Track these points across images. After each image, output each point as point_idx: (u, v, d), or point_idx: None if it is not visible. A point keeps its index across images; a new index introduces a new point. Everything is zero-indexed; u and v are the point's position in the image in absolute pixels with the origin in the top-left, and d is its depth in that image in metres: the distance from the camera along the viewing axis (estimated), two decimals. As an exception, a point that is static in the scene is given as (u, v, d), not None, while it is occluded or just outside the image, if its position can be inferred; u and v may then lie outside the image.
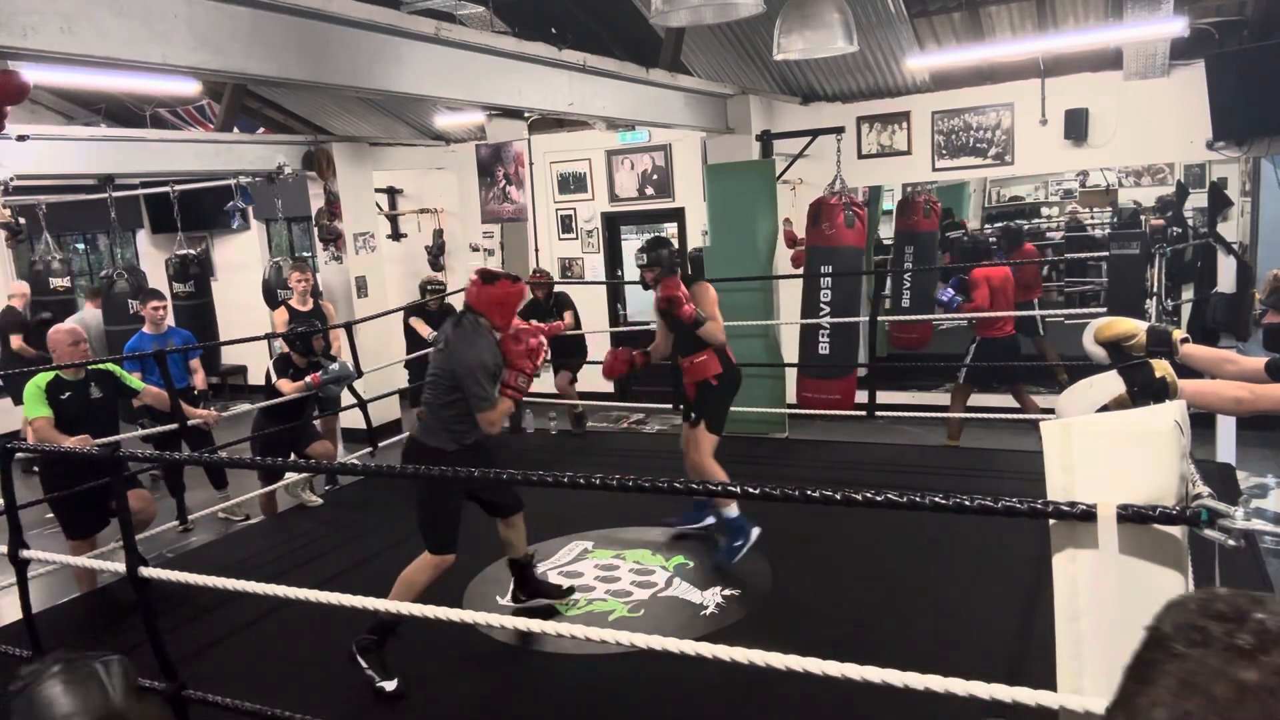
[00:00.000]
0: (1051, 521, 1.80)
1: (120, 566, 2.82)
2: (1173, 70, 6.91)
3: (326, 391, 6.01)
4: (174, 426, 5.37)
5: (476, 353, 3.62)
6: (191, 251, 8.41)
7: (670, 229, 9.52)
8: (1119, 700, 0.66)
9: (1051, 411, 2.69)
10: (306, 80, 3.99)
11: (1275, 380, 2.30)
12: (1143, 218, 8.35)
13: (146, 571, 2.77)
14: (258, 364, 8.76)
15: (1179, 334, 2.48)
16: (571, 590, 4.25)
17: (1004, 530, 3.98)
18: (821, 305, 6.93)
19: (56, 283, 7.98)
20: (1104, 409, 2.21)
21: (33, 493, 4.89)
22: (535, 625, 2.42)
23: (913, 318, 7.83)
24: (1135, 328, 2.52)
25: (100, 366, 4.99)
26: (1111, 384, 2.24)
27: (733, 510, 4.46)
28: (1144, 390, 2.19)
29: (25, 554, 3.06)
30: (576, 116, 6.97)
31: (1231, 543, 1.61)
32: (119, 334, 7.47)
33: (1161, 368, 2.24)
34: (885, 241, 9.20)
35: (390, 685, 3.45)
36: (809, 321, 7.00)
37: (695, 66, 7.51)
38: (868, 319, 6.81)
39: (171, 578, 2.82)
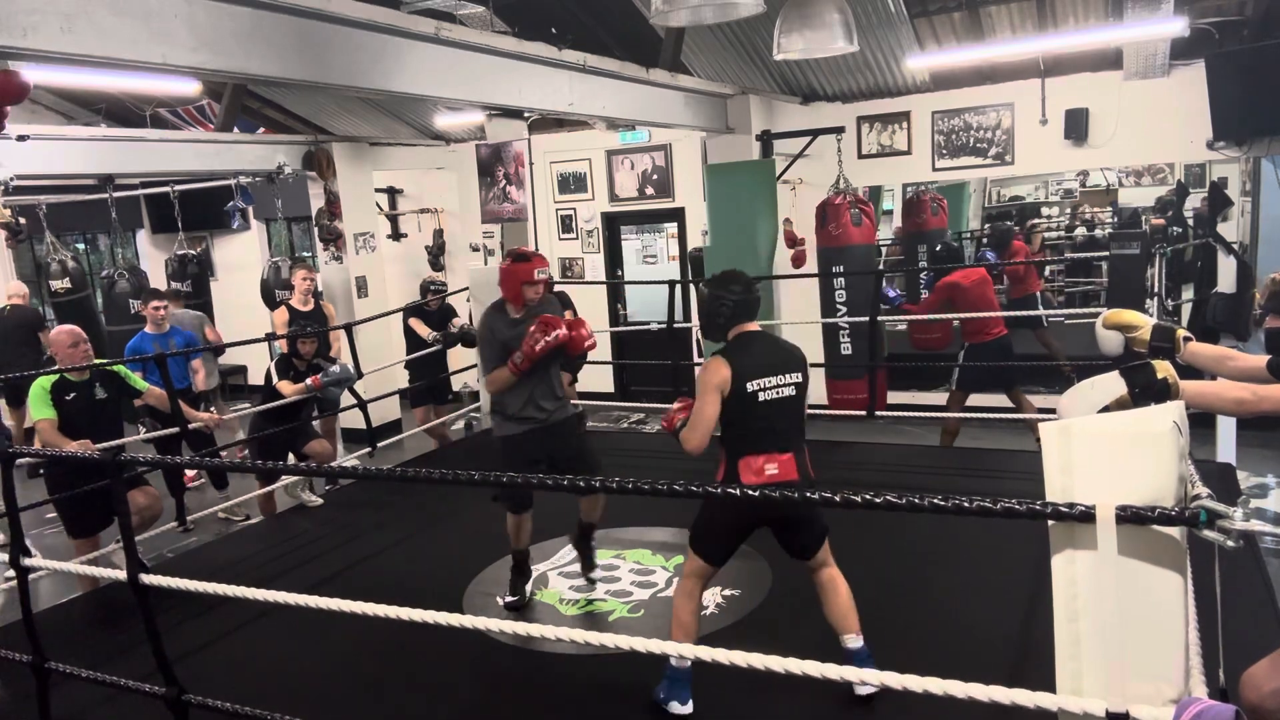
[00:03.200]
0: (1050, 523, 1.80)
1: (121, 574, 2.82)
2: (1173, 70, 6.91)
3: (327, 394, 6.01)
4: (175, 431, 5.38)
5: (482, 324, 4.26)
6: (191, 251, 8.41)
7: (670, 229, 9.53)
8: None
9: (1051, 411, 2.69)
10: (306, 80, 3.99)
11: (1277, 379, 2.29)
12: (1143, 218, 8.35)
13: (147, 579, 2.77)
14: (258, 364, 8.78)
15: (1183, 333, 2.49)
16: (594, 584, 4.46)
17: (1003, 531, 3.98)
18: (838, 306, 6.93)
19: (56, 284, 7.94)
20: (1105, 410, 2.21)
21: (36, 492, 4.90)
22: (535, 628, 2.42)
23: (931, 317, 7.83)
24: (1141, 320, 2.57)
25: (104, 367, 4.99)
26: (1113, 385, 2.25)
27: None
28: (1145, 391, 2.20)
29: (27, 561, 3.06)
30: (576, 116, 6.97)
31: (1230, 543, 1.61)
32: (120, 334, 7.47)
33: (1163, 369, 2.24)
34: (883, 242, 9.18)
35: (501, 600, 4.29)
36: (809, 321, 7.00)
37: (695, 66, 7.51)
38: (867, 319, 6.79)
39: (173, 585, 2.82)
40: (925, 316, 6.68)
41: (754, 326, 3.30)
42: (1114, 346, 2.64)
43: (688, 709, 3.20)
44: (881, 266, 8.81)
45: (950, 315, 6.43)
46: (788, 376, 3.19)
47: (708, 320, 3.34)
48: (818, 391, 7.27)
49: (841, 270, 6.93)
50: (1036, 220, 8.79)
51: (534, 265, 4.10)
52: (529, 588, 4.35)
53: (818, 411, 7.17)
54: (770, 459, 3.13)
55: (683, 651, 2.30)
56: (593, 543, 4.48)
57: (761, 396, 3.13)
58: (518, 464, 4.18)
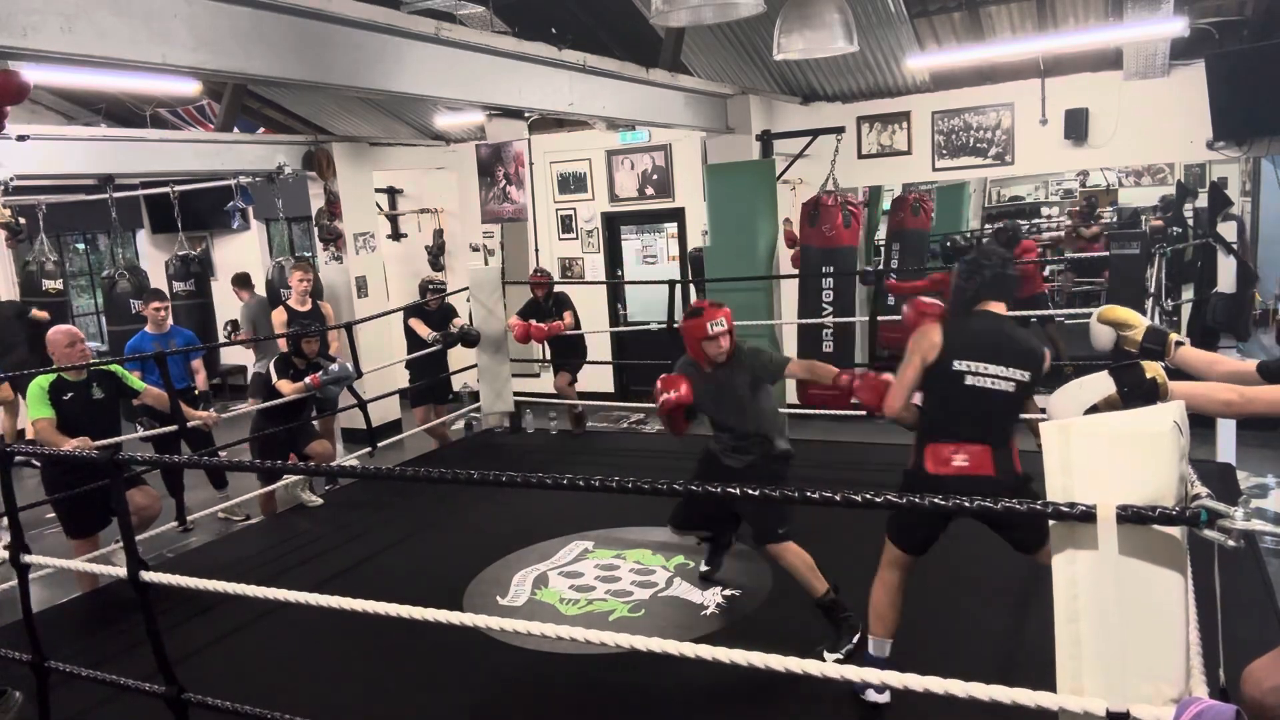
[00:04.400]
0: (1051, 522, 1.80)
1: (121, 571, 2.82)
2: (1173, 70, 6.91)
3: (326, 393, 6.01)
4: (174, 429, 5.38)
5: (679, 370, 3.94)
6: (192, 251, 8.41)
7: (670, 229, 9.52)
8: None
9: (1044, 411, 2.70)
10: (306, 80, 3.99)
11: (1267, 382, 2.30)
12: (1143, 218, 8.36)
13: (147, 576, 2.77)
14: (258, 364, 8.80)
15: (1175, 337, 2.51)
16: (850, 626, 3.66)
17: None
18: (824, 305, 6.95)
19: (49, 284, 7.94)
20: (1094, 409, 2.23)
21: (33, 491, 4.90)
22: (535, 626, 2.42)
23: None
24: (1136, 320, 2.57)
25: (102, 367, 5.00)
26: (1102, 385, 2.27)
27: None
28: (1134, 391, 2.21)
29: (27, 558, 3.06)
30: (576, 116, 6.97)
31: (1231, 543, 1.61)
32: (120, 334, 7.46)
33: (1152, 369, 2.26)
34: (882, 242, 9.19)
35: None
36: (813, 321, 7.00)
37: (695, 66, 7.51)
38: (867, 319, 6.81)
39: (172, 582, 2.82)
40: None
41: (999, 308, 3.02)
42: (1106, 341, 2.66)
43: (884, 697, 3.03)
44: (880, 267, 8.84)
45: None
46: (1009, 370, 2.90)
47: (955, 294, 3.09)
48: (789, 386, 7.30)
49: (832, 271, 6.95)
50: (1036, 221, 8.81)
51: (705, 319, 3.69)
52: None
53: (818, 410, 7.20)
54: (960, 449, 2.90)
55: (683, 650, 2.29)
56: (836, 618, 3.66)
57: (969, 380, 2.90)
58: (697, 478, 3.96)
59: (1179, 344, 2.49)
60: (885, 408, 3.07)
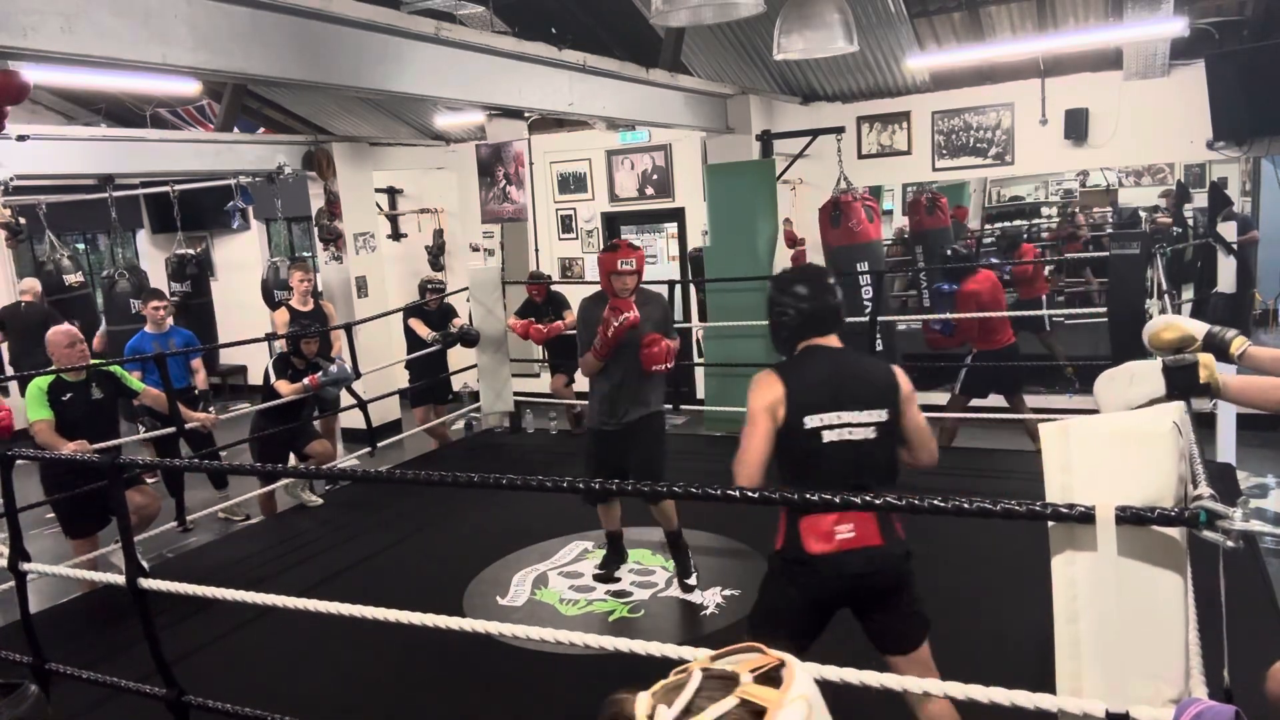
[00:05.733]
0: (1050, 523, 1.79)
1: (120, 578, 2.82)
2: (1173, 70, 6.91)
3: (325, 393, 6.02)
4: (173, 430, 5.38)
5: (580, 309, 4.25)
6: (190, 251, 8.40)
7: (670, 229, 9.52)
8: None
9: (1048, 411, 2.66)
10: (306, 80, 3.99)
11: None
12: (1144, 218, 8.34)
13: (146, 583, 2.76)
14: (257, 364, 8.79)
15: (1239, 344, 2.23)
16: (691, 590, 4.32)
17: (1003, 532, 3.98)
18: (864, 303, 6.74)
19: (70, 279, 7.92)
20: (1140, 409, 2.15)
21: (33, 493, 4.89)
22: (534, 631, 2.42)
23: (941, 316, 7.73)
24: (1193, 336, 2.27)
25: (101, 367, 4.99)
26: (1154, 382, 2.14)
27: None
28: (1185, 394, 2.11)
29: (25, 566, 3.06)
30: (576, 116, 6.97)
31: (1230, 543, 1.61)
32: (120, 334, 7.45)
33: (1207, 370, 2.12)
34: (883, 242, 9.16)
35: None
36: (858, 319, 6.88)
37: (695, 66, 7.51)
38: (867, 319, 6.78)
39: (172, 589, 2.81)
40: (984, 313, 6.39)
41: (831, 341, 2.61)
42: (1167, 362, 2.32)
43: None
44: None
45: (974, 315, 6.33)
46: (866, 413, 2.49)
47: (771, 330, 2.70)
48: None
49: (866, 269, 6.82)
50: (1037, 221, 8.77)
51: (619, 255, 3.93)
52: (595, 569, 4.55)
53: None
54: (844, 517, 2.41)
55: (682, 654, 2.29)
56: (686, 554, 4.36)
57: (827, 436, 2.47)
58: (589, 459, 4.28)
59: (1241, 352, 2.23)
60: (744, 484, 2.43)
